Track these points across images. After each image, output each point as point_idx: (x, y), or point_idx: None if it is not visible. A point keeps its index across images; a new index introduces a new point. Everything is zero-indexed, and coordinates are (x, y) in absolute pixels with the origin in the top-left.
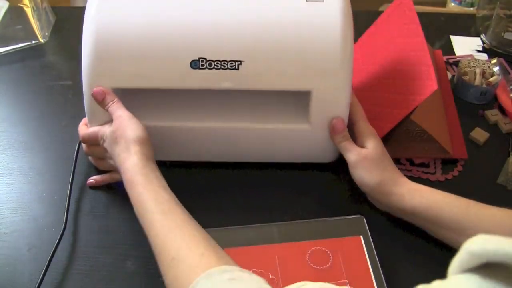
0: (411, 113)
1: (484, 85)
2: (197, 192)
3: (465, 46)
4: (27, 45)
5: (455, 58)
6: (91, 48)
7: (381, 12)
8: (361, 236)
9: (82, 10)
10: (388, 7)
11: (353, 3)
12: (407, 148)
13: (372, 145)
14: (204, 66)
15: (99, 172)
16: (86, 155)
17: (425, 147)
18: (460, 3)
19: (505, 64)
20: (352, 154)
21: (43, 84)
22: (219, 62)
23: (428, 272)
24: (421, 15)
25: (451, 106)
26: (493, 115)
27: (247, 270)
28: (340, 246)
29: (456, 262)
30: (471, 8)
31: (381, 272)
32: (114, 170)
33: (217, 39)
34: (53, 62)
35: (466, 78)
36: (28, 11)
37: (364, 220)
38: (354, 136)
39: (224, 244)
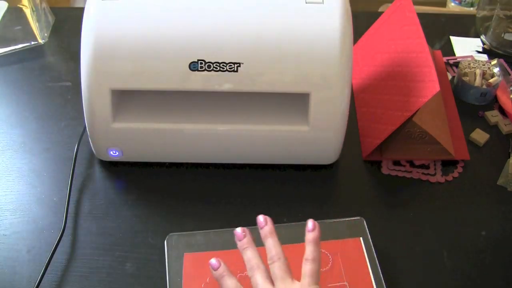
0: (413, 115)
1: (484, 86)
2: (196, 193)
3: (465, 47)
4: (26, 46)
5: (455, 59)
6: (90, 49)
7: (381, 13)
8: (361, 238)
9: (81, 10)
10: (388, 8)
11: (353, 4)
12: (409, 150)
13: None
14: (203, 68)
15: (100, 170)
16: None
17: (427, 149)
18: (460, 3)
19: (505, 65)
20: None
21: (42, 85)
22: (218, 64)
23: (428, 274)
24: (421, 15)
25: (452, 107)
26: (493, 116)
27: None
28: (340, 248)
29: None
30: (471, 8)
31: (381, 274)
32: None
33: (216, 41)
34: (52, 63)
35: (466, 79)
36: (27, 12)
37: (364, 222)
38: None
39: (223, 246)
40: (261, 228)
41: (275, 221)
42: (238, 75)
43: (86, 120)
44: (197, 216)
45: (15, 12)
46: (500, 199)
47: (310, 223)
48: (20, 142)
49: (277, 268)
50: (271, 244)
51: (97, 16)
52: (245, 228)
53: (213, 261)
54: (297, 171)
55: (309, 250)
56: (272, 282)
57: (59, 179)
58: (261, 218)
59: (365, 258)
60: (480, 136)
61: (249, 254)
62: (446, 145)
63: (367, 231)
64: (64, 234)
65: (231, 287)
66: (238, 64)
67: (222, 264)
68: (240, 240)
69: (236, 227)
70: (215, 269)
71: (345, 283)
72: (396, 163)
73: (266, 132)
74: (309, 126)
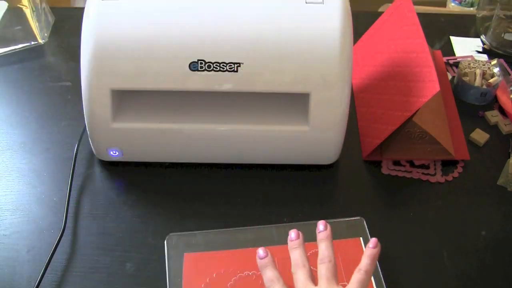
0: (413, 115)
1: (484, 86)
2: (196, 193)
3: (465, 47)
4: (26, 46)
5: (455, 59)
6: (90, 49)
7: (381, 13)
8: (361, 238)
9: (81, 10)
10: (388, 8)
11: (353, 4)
12: (409, 150)
13: None
14: (203, 68)
15: (100, 170)
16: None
17: (427, 149)
18: (460, 3)
19: (505, 65)
20: None
21: (42, 85)
22: (218, 64)
23: (428, 274)
24: (421, 15)
25: (452, 107)
26: (493, 116)
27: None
28: (340, 248)
29: None
30: (471, 8)
31: (381, 274)
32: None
33: (216, 41)
34: (52, 63)
35: (466, 79)
36: (27, 12)
37: (364, 222)
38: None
39: (223, 246)
40: (319, 232)
41: (275, 221)
42: (238, 75)
43: (86, 120)
44: (197, 216)
45: (15, 12)
46: (500, 199)
47: (321, 225)
48: (20, 142)
49: (325, 269)
50: (325, 246)
51: (97, 16)
52: (299, 232)
53: (260, 250)
54: (297, 171)
55: (364, 262)
56: (313, 282)
57: (59, 179)
58: (321, 224)
59: None
60: (480, 136)
61: (297, 254)
62: (446, 145)
63: (367, 231)
64: (64, 234)
65: (272, 278)
66: (238, 64)
67: (269, 254)
68: (291, 241)
69: (236, 227)
70: (261, 258)
71: (345, 283)
72: (396, 163)
73: (266, 132)
74: (309, 126)
